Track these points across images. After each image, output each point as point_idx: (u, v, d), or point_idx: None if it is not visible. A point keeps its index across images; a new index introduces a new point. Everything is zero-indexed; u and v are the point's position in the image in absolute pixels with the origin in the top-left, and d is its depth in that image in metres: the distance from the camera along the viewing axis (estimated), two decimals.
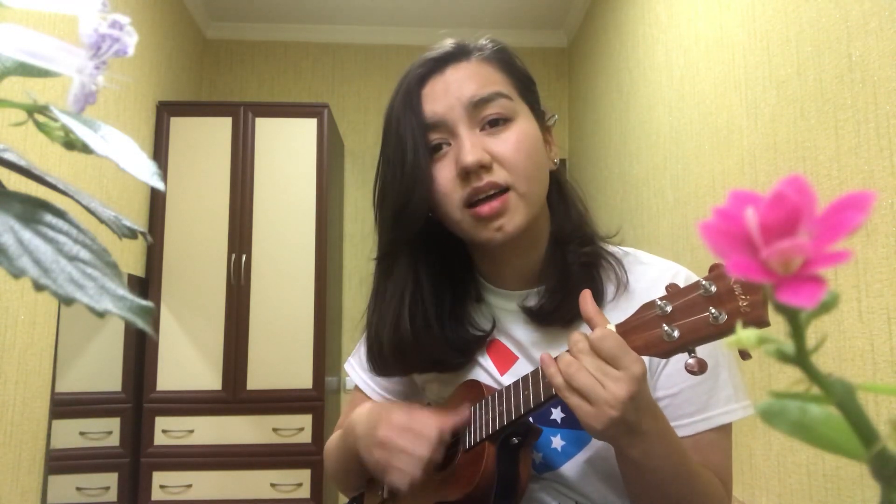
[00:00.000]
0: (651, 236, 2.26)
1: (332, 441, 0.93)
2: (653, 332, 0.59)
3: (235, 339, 2.64)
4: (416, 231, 0.77)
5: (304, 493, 2.56)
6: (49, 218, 0.27)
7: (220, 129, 2.76)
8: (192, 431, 2.56)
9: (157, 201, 2.67)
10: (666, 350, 0.58)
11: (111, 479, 2.42)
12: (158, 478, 2.51)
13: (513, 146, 0.74)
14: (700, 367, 0.56)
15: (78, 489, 2.27)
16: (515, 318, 0.82)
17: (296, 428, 2.60)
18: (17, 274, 0.25)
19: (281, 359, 2.65)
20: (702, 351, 0.58)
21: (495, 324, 0.84)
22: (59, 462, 1.96)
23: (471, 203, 0.74)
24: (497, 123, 0.75)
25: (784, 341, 0.21)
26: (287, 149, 2.78)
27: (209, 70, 3.45)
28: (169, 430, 2.55)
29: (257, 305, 2.67)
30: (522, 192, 0.74)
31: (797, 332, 0.21)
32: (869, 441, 0.20)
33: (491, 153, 0.74)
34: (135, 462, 2.50)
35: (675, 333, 0.57)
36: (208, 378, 2.61)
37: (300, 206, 2.74)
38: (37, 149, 1.74)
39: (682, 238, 2.01)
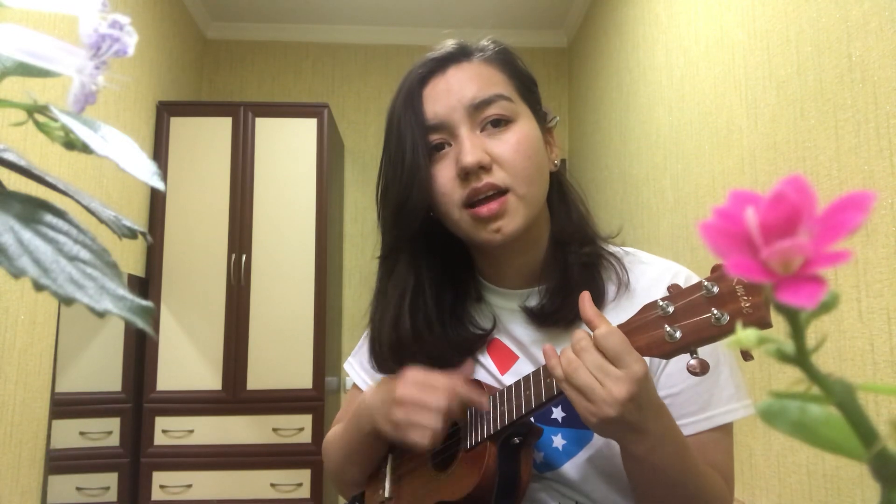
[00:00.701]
0: (651, 236, 2.26)
1: (332, 435, 0.92)
2: (655, 333, 0.59)
3: (235, 339, 2.64)
4: (416, 229, 0.78)
5: (304, 493, 2.56)
6: (49, 218, 0.27)
7: (220, 129, 2.76)
8: (192, 431, 2.56)
9: (157, 201, 2.67)
10: (668, 351, 0.58)
11: (111, 479, 2.42)
12: (158, 478, 2.51)
13: (512, 147, 0.74)
14: (702, 368, 0.56)
15: (78, 489, 2.27)
16: (516, 318, 0.83)
17: (296, 428, 2.60)
18: (17, 274, 0.25)
19: (281, 359, 2.65)
20: (703, 351, 0.58)
21: (496, 323, 0.84)
22: (59, 462, 1.96)
23: (470, 203, 0.75)
24: (497, 125, 0.76)
25: (784, 341, 0.21)
26: (287, 149, 2.78)
27: (209, 70, 3.45)
28: (169, 430, 2.55)
29: (257, 305, 2.67)
30: (521, 194, 0.74)
31: (797, 332, 0.21)
32: (869, 441, 0.20)
33: (491, 154, 0.74)
34: (135, 462, 2.50)
35: (678, 334, 0.57)
36: (208, 378, 2.61)
37: (300, 206, 2.74)
38: (37, 149, 1.74)
39: (682, 238, 2.01)
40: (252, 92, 3.44)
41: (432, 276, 0.82)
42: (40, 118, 0.30)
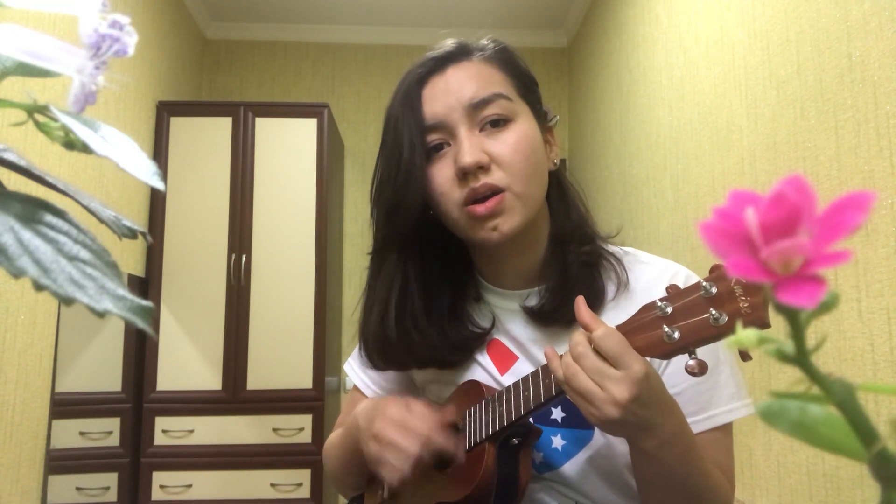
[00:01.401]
0: (651, 236, 2.26)
1: (332, 439, 0.93)
2: (653, 334, 0.59)
3: (235, 339, 2.64)
4: (409, 229, 0.78)
5: (304, 493, 2.56)
6: (49, 218, 0.27)
7: (220, 129, 2.76)
8: (192, 431, 2.56)
9: (157, 201, 2.67)
10: (666, 351, 0.58)
11: (111, 479, 2.42)
12: (158, 478, 2.51)
13: (511, 147, 0.74)
14: (700, 369, 0.56)
15: (78, 489, 2.27)
16: (516, 318, 0.83)
17: (296, 428, 2.60)
18: (17, 274, 0.25)
19: (281, 359, 2.65)
20: (703, 350, 0.58)
21: (495, 323, 0.84)
22: (59, 462, 1.96)
23: (468, 203, 0.74)
24: (497, 124, 0.75)
25: (784, 341, 0.21)
26: (287, 149, 2.78)
27: (209, 70, 3.45)
28: (169, 430, 2.55)
29: (257, 305, 2.66)
30: (519, 193, 0.74)
31: (797, 332, 0.21)
32: (869, 441, 0.20)
33: (489, 154, 0.74)
34: (135, 462, 2.50)
35: (676, 335, 0.57)
36: (208, 378, 2.61)
37: (300, 206, 2.74)
38: (37, 149, 1.74)
39: (682, 238, 2.01)
40: (252, 92, 3.44)
41: (424, 275, 0.81)
42: (40, 118, 0.30)
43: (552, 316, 0.78)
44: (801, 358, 0.21)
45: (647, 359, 0.59)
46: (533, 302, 0.80)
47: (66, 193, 0.32)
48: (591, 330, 0.61)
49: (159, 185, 0.32)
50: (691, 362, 0.57)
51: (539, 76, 0.86)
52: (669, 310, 0.58)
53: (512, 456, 0.72)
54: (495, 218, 0.74)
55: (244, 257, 2.68)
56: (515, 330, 0.82)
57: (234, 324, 2.64)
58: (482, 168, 0.73)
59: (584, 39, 3.23)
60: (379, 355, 0.82)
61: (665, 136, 2.14)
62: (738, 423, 0.74)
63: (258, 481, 2.55)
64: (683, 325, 0.57)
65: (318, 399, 2.64)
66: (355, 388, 0.96)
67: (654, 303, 0.60)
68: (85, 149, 0.29)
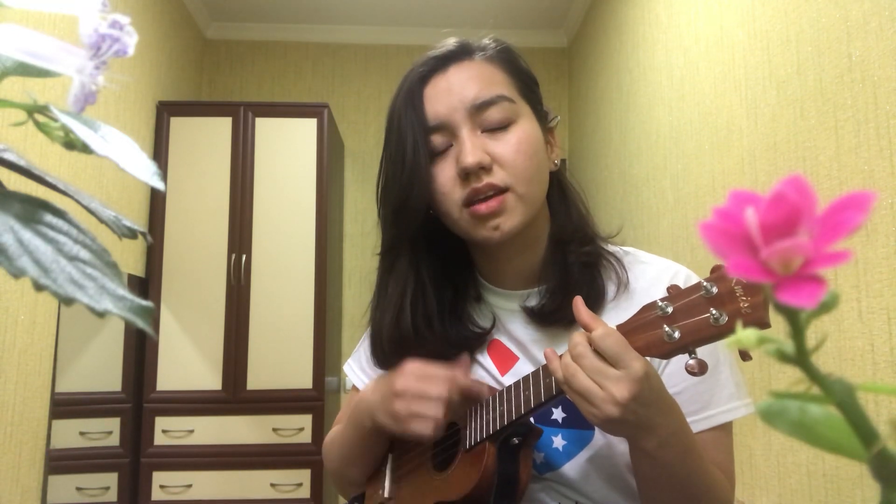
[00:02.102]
0: (651, 236, 2.26)
1: (332, 435, 0.93)
2: (654, 333, 0.59)
3: (235, 339, 2.64)
4: (416, 228, 0.78)
5: (304, 493, 2.56)
6: (49, 218, 0.27)
7: (220, 129, 2.76)
8: (192, 431, 2.56)
9: (157, 201, 2.67)
10: (666, 351, 0.58)
11: (111, 479, 2.42)
12: (158, 478, 2.51)
13: (513, 148, 0.75)
14: (700, 368, 0.56)
15: (78, 489, 2.27)
16: (516, 318, 0.83)
17: (296, 428, 2.60)
18: (17, 274, 0.25)
19: (281, 359, 2.65)
20: (703, 350, 0.58)
21: (495, 323, 0.84)
22: (59, 462, 1.96)
23: (470, 202, 0.75)
24: (499, 125, 0.76)
25: (784, 341, 0.21)
26: (287, 149, 2.78)
27: (209, 70, 3.45)
28: (169, 430, 2.55)
29: (257, 305, 2.67)
30: (521, 193, 0.75)
31: (797, 332, 0.21)
32: (869, 441, 0.20)
33: (491, 154, 0.74)
34: (135, 462, 2.50)
35: (676, 334, 0.57)
36: (208, 378, 2.61)
37: (300, 206, 2.74)
38: (37, 149, 1.74)
39: (682, 238, 2.01)
40: (252, 92, 3.44)
41: (432, 274, 0.82)
42: (40, 118, 0.30)
43: (553, 316, 0.78)
44: (801, 358, 0.21)
45: (648, 359, 0.59)
46: (533, 302, 0.81)
47: (66, 193, 0.32)
48: (591, 330, 0.61)
49: (159, 185, 0.32)
50: (691, 362, 0.57)
51: (539, 76, 0.86)
52: (670, 310, 0.58)
53: (512, 456, 0.72)
54: (497, 217, 0.74)
55: (244, 257, 2.68)
56: (516, 330, 0.82)
57: (234, 324, 2.64)
58: (484, 168, 0.74)
59: (584, 39, 3.23)
60: (391, 354, 0.83)
61: (665, 136, 2.14)
62: (738, 423, 0.74)
63: (258, 481, 2.55)
64: (684, 324, 0.57)
65: (318, 399, 2.64)
66: (354, 387, 0.96)
67: (654, 303, 0.60)
68: (85, 149, 0.29)
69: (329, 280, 2.75)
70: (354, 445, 0.84)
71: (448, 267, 0.84)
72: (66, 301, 0.25)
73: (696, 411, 0.73)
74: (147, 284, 2.61)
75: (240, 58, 3.49)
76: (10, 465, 1.70)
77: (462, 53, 0.79)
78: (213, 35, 3.46)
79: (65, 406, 2.02)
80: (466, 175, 0.74)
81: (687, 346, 0.57)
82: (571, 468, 0.76)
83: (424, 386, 0.71)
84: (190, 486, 2.52)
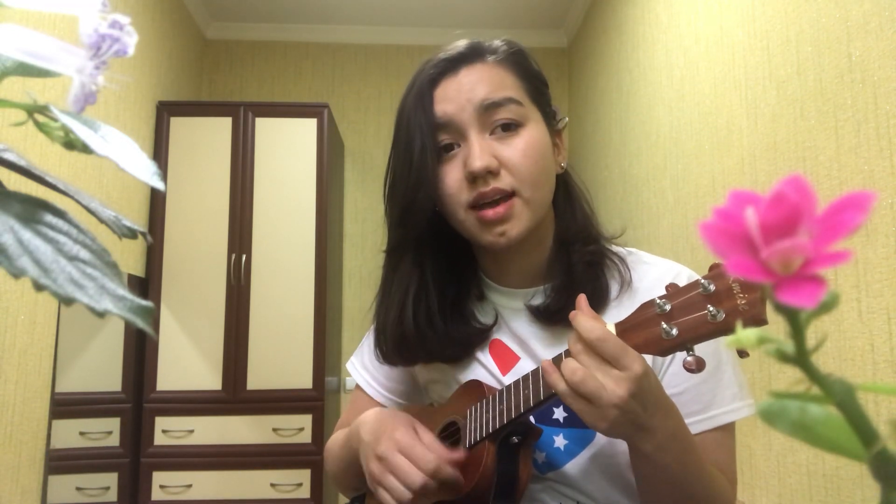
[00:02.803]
0: (651, 236, 2.26)
1: (334, 440, 0.93)
2: (652, 331, 0.59)
3: (235, 339, 2.64)
4: (422, 228, 0.78)
5: (304, 493, 2.56)
6: (49, 218, 0.27)
7: (220, 129, 2.76)
8: (192, 431, 2.56)
9: (157, 201, 2.67)
10: (664, 348, 0.58)
11: (111, 479, 2.42)
12: (158, 478, 2.51)
13: (521, 153, 0.75)
14: (698, 366, 0.56)
15: (78, 489, 2.27)
16: (520, 317, 0.83)
17: (296, 428, 2.60)
18: (17, 274, 0.25)
19: (281, 359, 2.65)
20: (705, 350, 0.58)
21: (497, 320, 0.84)
22: (59, 462, 1.96)
23: (476, 206, 0.75)
24: (507, 129, 0.76)
25: (784, 341, 0.21)
26: (287, 149, 2.78)
27: (209, 70, 3.45)
28: (169, 430, 2.54)
29: (257, 305, 2.66)
30: (527, 198, 0.75)
31: (797, 332, 0.21)
32: (869, 441, 0.20)
33: (499, 158, 0.74)
34: (135, 462, 2.50)
35: (674, 331, 0.57)
36: (208, 378, 2.61)
37: (300, 206, 2.74)
38: (37, 149, 1.74)
39: (682, 238, 2.01)
40: (252, 92, 3.44)
41: (436, 273, 0.82)
42: (40, 118, 0.30)
43: (557, 315, 0.78)
44: (801, 358, 0.21)
45: (647, 360, 0.59)
46: (538, 301, 0.81)
47: (66, 193, 0.32)
48: (588, 328, 0.60)
49: (159, 185, 0.32)
50: (689, 359, 0.57)
51: None
52: (668, 307, 0.58)
53: (512, 455, 0.72)
54: (503, 223, 0.75)
55: (244, 257, 2.68)
56: (519, 328, 0.83)
57: (234, 324, 2.64)
58: (491, 172, 0.74)
59: (584, 39, 3.23)
60: (395, 351, 0.83)
61: (665, 136, 2.14)
62: (739, 423, 0.74)
63: (258, 481, 2.55)
64: (681, 321, 0.57)
65: (318, 399, 2.64)
66: (358, 387, 0.96)
67: (653, 300, 0.60)
68: (85, 149, 0.29)
69: (329, 280, 2.75)
70: (351, 464, 0.83)
71: (452, 265, 0.85)
72: (66, 301, 0.25)
73: (698, 411, 0.73)
74: (147, 284, 2.61)
75: (240, 58, 3.48)
76: (10, 465, 1.70)
77: (473, 55, 0.79)
78: (212, 35, 3.46)
79: (65, 406, 2.02)
80: (474, 178, 0.74)
81: (685, 343, 0.57)
82: (573, 467, 0.76)
83: (403, 466, 0.68)
84: (190, 486, 2.52)
